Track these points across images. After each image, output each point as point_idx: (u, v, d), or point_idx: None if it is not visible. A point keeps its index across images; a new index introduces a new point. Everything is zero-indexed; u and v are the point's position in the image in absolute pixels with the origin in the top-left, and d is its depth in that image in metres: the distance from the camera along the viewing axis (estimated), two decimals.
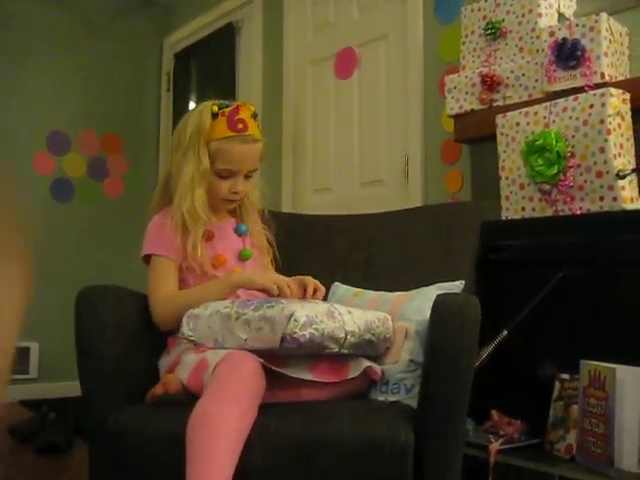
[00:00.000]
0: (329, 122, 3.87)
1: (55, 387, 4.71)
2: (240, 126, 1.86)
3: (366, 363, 1.68)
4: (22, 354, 4.81)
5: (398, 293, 1.88)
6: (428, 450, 1.43)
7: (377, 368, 1.71)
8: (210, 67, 4.89)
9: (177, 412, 1.48)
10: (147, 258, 1.92)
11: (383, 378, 1.70)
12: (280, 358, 1.57)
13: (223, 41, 4.72)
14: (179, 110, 5.17)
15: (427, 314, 1.65)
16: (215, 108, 1.87)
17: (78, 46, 5.09)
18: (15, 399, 4.64)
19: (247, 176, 1.92)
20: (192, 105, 5.13)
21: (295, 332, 1.49)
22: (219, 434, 1.37)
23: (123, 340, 1.64)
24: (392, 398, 1.66)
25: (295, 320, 1.49)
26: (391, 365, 1.71)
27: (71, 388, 4.59)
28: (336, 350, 1.58)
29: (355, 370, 1.65)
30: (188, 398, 1.52)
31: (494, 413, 2.06)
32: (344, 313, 1.61)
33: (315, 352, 1.58)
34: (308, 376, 1.59)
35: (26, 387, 4.75)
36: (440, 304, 1.52)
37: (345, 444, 1.41)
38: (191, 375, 1.57)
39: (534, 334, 2.09)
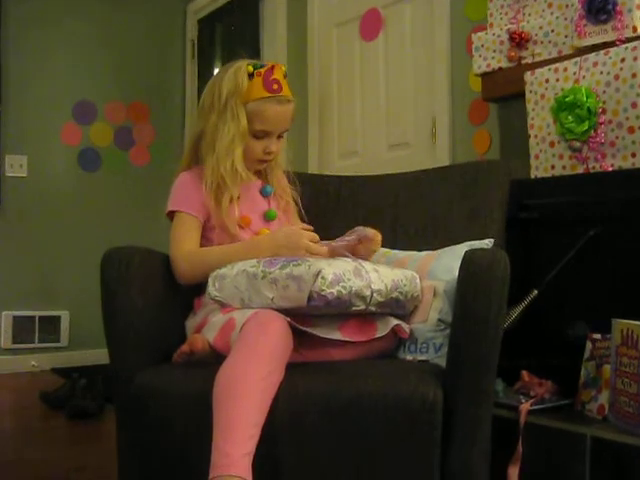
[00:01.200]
0: (355, 85, 3.83)
1: (85, 355, 4.77)
2: (275, 87, 1.86)
3: (394, 322, 1.67)
4: (53, 323, 4.88)
5: (426, 252, 1.86)
6: (457, 408, 1.42)
7: (405, 327, 1.70)
8: (234, 32, 4.86)
9: (203, 371, 1.48)
10: (171, 215, 1.94)
11: (412, 337, 1.69)
12: (308, 317, 1.56)
13: (247, 6, 4.68)
14: (204, 77, 5.16)
15: (456, 273, 1.61)
16: (250, 68, 1.86)
17: (102, 15, 5.10)
18: (47, 367, 4.71)
19: (279, 136, 1.93)
20: (217, 71, 5.10)
21: (323, 290, 1.48)
22: (245, 394, 1.36)
23: (149, 300, 1.64)
24: (421, 357, 1.65)
25: (322, 278, 1.48)
26: (420, 324, 1.69)
27: (101, 355, 4.63)
28: (362, 308, 1.57)
29: (383, 329, 1.64)
30: (215, 358, 1.52)
31: (524, 374, 2.04)
32: (371, 271, 1.59)
33: (342, 311, 1.56)
34: (336, 335, 1.58)
35: (57, 355, 4.84)
36: (468, 260, 1.49)
37: (373, 402, 1.40)
38: (218, 335, 1.57)
39: (565, 293, 2.06)
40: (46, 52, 4.88)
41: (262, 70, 1.85)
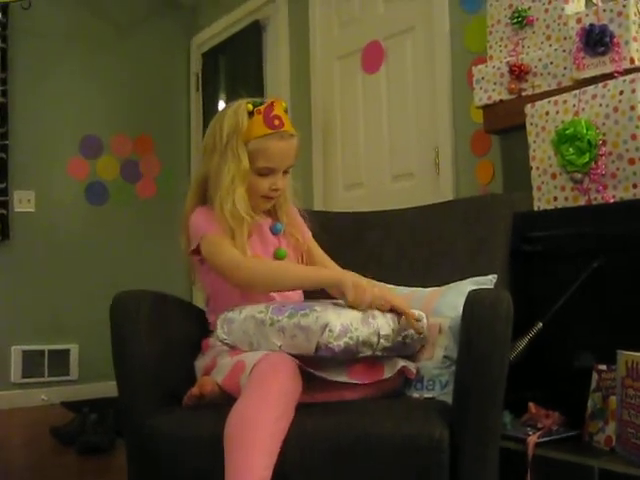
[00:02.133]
0: (358, 116, 3.86)
1: (95, 388, 4.76)
2: (277, 122, 1.84)
3: (401, 363, 1.68)
4: (62, 356, 4.89)
5: (431, 289, 1.88)
6: (463, 445, 1.43)
7: (412, 367, 1.71)
8: (238, 65, 4.90)
9: (214, 414, 1.50)
10: (195, 252, 1.89)
11: (418, 374, 1.70)
12: (316, 360, 1.58)
13: (250, 39, 4.74)
14: (209, 109, 5.21)
15: (461, 309, 1.63)
16: (250, 106, 1.85)
17: (108, 49, 5.15)
18: (57, 401, 4.72)
19: (285, 172, 1.91)
20: (222, 104, 5.16)
21: (330, 342, 1.50)
22: (256, 437, 1.38)
23: (158, 344, 1.66)
24: (427, 394, 1.67)
25: (330, 330, 1.50)
26: (426, 361, 1.71)
27: (111, 388, 4.62)
28: (369, 354, 1.58)
29: (390, 370, 1.65)
30: (225, 400, 1.53)
31: (532, 405, 2.05)
32: (378, 316, 1.61)
33: (349, 358, 1.58)
34: (344, 378, 1.59)
35: (67, 389, 4.83)
36: (472, 300, 1.51)
37: (381, 442, 1.42)
38: (227, 377, 1.58)
39: (570, 325, 2.07)
40: (52, 87, 4.93)
41: (262, 107, 1.85)
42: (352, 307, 1.59)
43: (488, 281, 1.82)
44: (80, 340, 4.93)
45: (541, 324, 2.03)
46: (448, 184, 3.21)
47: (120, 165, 5.19)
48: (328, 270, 1.87)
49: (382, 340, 1.59)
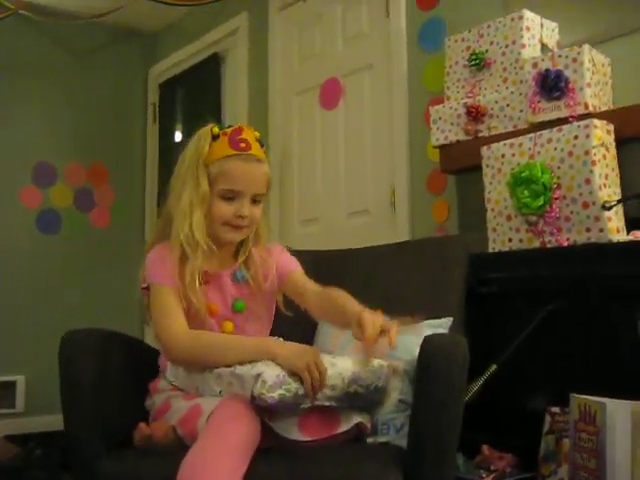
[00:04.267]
0: (315, 152, 3.87)
1: (42, 421, 4.64)
2: (243, 145, 1.76)
3: (357, 419, 1.62)
4: (8, 388, 4.77)
5: None
6: None
7: (367, 422, 1.66)
8: (196, 97, 4.90)
9: (167, 459, 1.45)
10: (147, 289, 1.80)
11: (372, 418, 1.67)
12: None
13: (208, 71, 4.74)
14: (165, 140, 5.21)
15: (415, 353, 1.62)
16: (216, 129, 1.78)
17: (63, 77, 5.10)
18: (1, 434, 4.58)
19: (255, 201, 1.80)
20: (178, 135, 5.14)
21: (262, 394, 1.45)
22: None
23: (108, 384, 1.63)
24: (382, 439, 1.64)
25: (263, 381, 1.45)
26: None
27: (58, 422, 4.50)
28: (309, 405, 1.52)
29: (346, 424, 1.60)
30: (179, 445, 1.50)
31: (485, 447, 2.05)
32: (328, 366, 1.54)
33: (290, 409, 1.52)
34: (295, 435, 1.53)
35: (12, 422, 4.70)
36: (427, 347, 1.50)
37: None
38: (182, 421, 1.54)
39: (524, 367, 2.08)
40: (6, 113, 4.86)
41: (228, 130, 1.78)
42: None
43: (443, 324, 1.82)
44: (27, 372, 4.80)
45: (495, 366, 2.03)
46: (404, 222, 3.22)
47: (74, 193, 5.12)
48: (278, 343, 1.65)
49: (327, 390, 1.53)
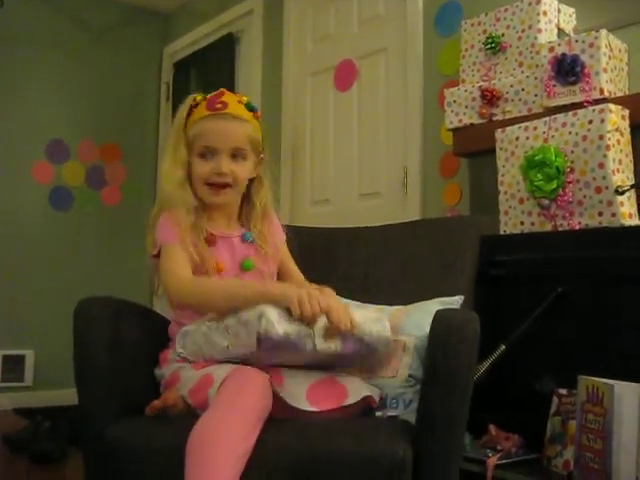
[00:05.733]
0: (328, 133, 3.88)
1: (50, 395, 4.69)
2: (219, 106, 1.77)
3: (366, 392, 1.64)
4: (17, 362, 4.81)
5: (397, 307, 1.87)
6: (426, 466, 1.44)
7: (376, 394, 1.67)
8: (209, 77, 4.89)
9: (177, 427, 1.46)
10: (156, 256, 1.82)
11: (382, 394, 1.69)
12: (278, 375, 1.56)
13: (222, 51, 4.75)
14: None
15: (426, 329, 1.63)
16: (199, 97, 1.82)
17: (78, 55, 5.12)
18: (9, 407, 4.63)
19: (234, 156, 1.80)
20: None
21: (269, 331, 1.47)
22: (218, 457, 1.34)
23: (121, 352, 1.64)
24: (390, 413, 1.66)
25: (266, 319, 1.47)
26: (389, 379, 1.70)
27: (66, 396, 4.60)
28: (312, 347, 1.53)
29: (354, 397, 1.61)
30: (189, 413, 1.51)
31: (492, 427, 2.06)
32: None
33: (299, 358, 1.55)
34: (305, 405, 1.54)
35: (21, 395, 4.74)
36: (439, 320, 1.52)
37: (343, 461, 1.41)
38: (193, 391, 1.55)
39: (533, 349, 2.09)
40: (21, 90, 4.88)
41: (209, 95, 1.82)
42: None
43: (454, 302, 1.83)
44: (36, 346, 4.85)
45: (504, 347, 2.05)
46: (415, 204, 3.23)
47: (86, 171, 5.15)
48: (273, 286, 1.74)
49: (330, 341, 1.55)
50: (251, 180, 1.90)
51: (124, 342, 1.66)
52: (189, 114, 1.83)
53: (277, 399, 1.52)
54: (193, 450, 1.36)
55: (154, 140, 5.47)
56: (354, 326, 1.57)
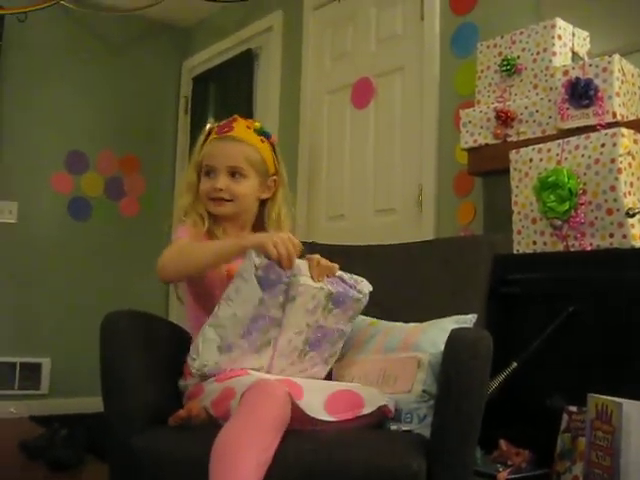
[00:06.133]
0: (344, 150, 3.94)
1: (65, 403, 4.76)
2: (225, 130, 1.97)
3: (382, 402, 1.71)
4: (34, 370, 4.87)
5: (412, 324, 1.93)
6: (439, 477, 1.48)
7: (391, 406, 1.73)
8: (228, 91, 4.97)
9: (200, 436, 1.52)
10: None
11: (396, 407, 1.74)
12: (297, 388, 1.61)
13: (241, 67, 4.81)
14: (197, 132, 5.24)
15: (441, 346, 1.71)
16: (215, 124, 2.03)
17: (100, 67, 5.21)
18: (25, 414, 4.69)
19: (233, 174, 1.95)
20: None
21: (258, 262, 1.64)
22: (240, 465, 1.40)
23: (146, 364, 1.70)
24: (405, 427, 1.71)
25: (254, 256, 1.64)
26: (404, 395, 1.75)
27: (81, 404, 4.68)
28: (287, 279, 1.67)
29: (370, 406, 1.68)
30: (212, 424, 1.57)
31: (502, 443, 2.10)
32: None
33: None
34: (323, 415, 1.60)
35: (37, 403, 4.80)
36: (454, 338, 1.57)
37: (359, 473, 1.46)
38: (216, 402, 1.61)
39: (543, 367, 2.14)
40: (42, 102, 4.97)
41: (223, 122, 2.01)
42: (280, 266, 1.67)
43: (468, 320, 1.88)
44: (53, 355, 4.92)
45: (515, 364, 2.10)
46: (430, 221, 3.29)
47: (105, 182, 5.23)
48: (248, 237, 1.88)
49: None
50: (264, 200, 2.05)
51: (148, 354, 1.72)
52: (205, 140, 2.02)
53: (296, 410, 1.56)
54: (217, 458, 1.42)
55: (172, 152, 5.55)
56: (334, 266, 1.79)
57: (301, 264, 1.72)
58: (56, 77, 5.04)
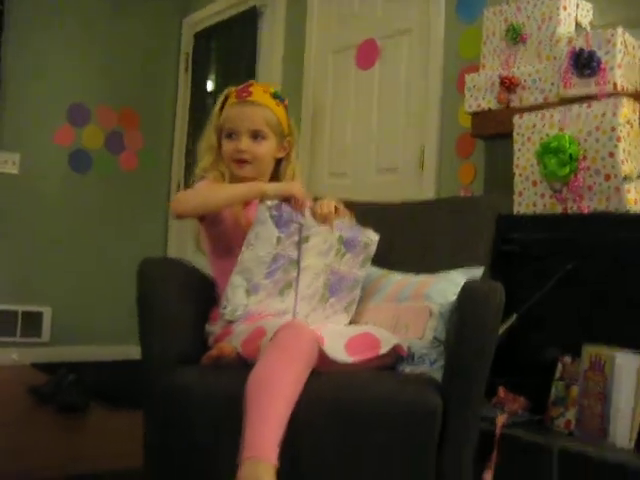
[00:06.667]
0: (348, 109, 4.02)
1: (65, 351, 4.89)
2: (244, 94, 2.11)
3: (395, 340, 1.85)
4: (35, 318, 5.00)
5: (423, 276, 2.06)
6: (452, 415, 1.63)
7: (404, 346, 1.87)
8: (230, 49, 5.00)
9: (231, 374, 1.67)
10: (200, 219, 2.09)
11: (409, 352, 1.88)
12: (319, 334, 1.73)
13: (245, 24, 4.85)
14: (197, 89, 5.33)
15: (450, 297, 1.88)
16: (231, 89, 2.16)
17: (99, 22, 5.26)
18: (27, 362, 4.82)
19: (255, 137, 2.10)
20: (210, 84, 5.29)
21: (269, 203, 1.87)
22: (276, 395, 1.54)
23: (180, 308, 1.84)
24: (417, 370, 1.85)
25: (266, 198, 1.88)
26: (417, 340, 1.89)
27: (81, 352, 4.82)
28: (300, 222, 1.89)
29: (386, 346, 1.82)
30: (240, 364, 1.71)
31: (501, 390, 2.26)
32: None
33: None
34: (344, 357, 1.74)
35: (38, 350, 4.94)
36: (469, 289, 1.72)
37: (381, 407, 1.60)
38: (246, 341, 1.74)
39: (541, 319, 2.28)
40: (45, 55, 5.04)
41: (240, 86, 2.14)
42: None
43: (477, 272, 2.02)
44: (54, 304, 5.04)
45: (515, 315, 2.24)
46: (431, 181, 3.39)
47: (105, 136, 5.31)
48: (261, 182, 2.07)
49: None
50: (279, 159, 2.20)
51: (183, 299, 1.85)
52: (223, 104, 2.16)
53: (319, 354, 1.70)
54: (253, 391, 1.55)
55: (172, 108, 5.61)
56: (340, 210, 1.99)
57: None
58: (58, 32, 5.09)
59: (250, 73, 4.67)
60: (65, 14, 5.10)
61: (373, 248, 2.04)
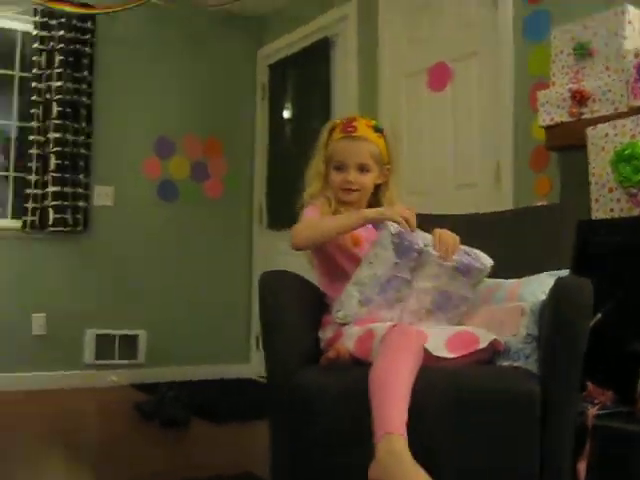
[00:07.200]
0: (423, 131, 4.21)
1: (160, 372, 5.14)
2: (350, 129, 2.31)
3: (492, 336, 2.02)
4: (132, 341, 5.29)
5: (513, 280, 2.24)
6: (552, 405, 1.79)
7: (501, 340, 2.04)
8: (305, 78, 5.24)
9: (349, 372, 1.89)
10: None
11: (505, 348, 2.04)
12: (423, 332, 1.93)
13: (318, 54, 5.07)
14: (274, 116, 5.59)
15: (540, 296, 2.05)
16: (337, 122, 2.37)
17: (181, 58, 5.58)
18: (125, 382, 5.09)
19: (361, 169, 2.30)
20: (286, 112, 5.53)
21: (395, 230, 2.01)
22: (397, 384, 1.73)
23: (299, 315, 2.05)
24: (514, 364, 2.01)
25: (390, 226, 2.02)
26: (511, 337, 2.05)
27: (175, 372, 5.07)
28: (421, 247, 2.04)
29: (484, 341, 1.99)
30: (353, 363, 1.92)
31: (589, 384, 2.39)
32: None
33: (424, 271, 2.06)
34: (445, 353, 1.93)
35: (135, 372, 5.22)
36: (562, 284, 1.90)
37: (486, 398, 1.79)
38: (358, 342, 1.95)
39: (625, 318, 2.41)
40: (132, 90, 5.37)
41: (344, 120, 2.36)
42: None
43: (562, 275, 2.17)
44: (148, 327, 5.33)
45: (600, 315, 2.38)
46: (508, 195, 3.56)
47: (190, 165, 5.60)
48: (369, 210, 2.22)
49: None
50: (379, 185, 2.40)
51: (301, 308, 2.07)
52: (330, 135, 2.37)
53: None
54: (374, 390, 1.74)
55: (251, 135, 5.89)
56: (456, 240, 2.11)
57: (428, 237, 2.09)
58: (144, 68, 5.43)
59: (326, 101, 4.89)
60: (149, 52, 5.44)
61: (485, 273, 2.16)
